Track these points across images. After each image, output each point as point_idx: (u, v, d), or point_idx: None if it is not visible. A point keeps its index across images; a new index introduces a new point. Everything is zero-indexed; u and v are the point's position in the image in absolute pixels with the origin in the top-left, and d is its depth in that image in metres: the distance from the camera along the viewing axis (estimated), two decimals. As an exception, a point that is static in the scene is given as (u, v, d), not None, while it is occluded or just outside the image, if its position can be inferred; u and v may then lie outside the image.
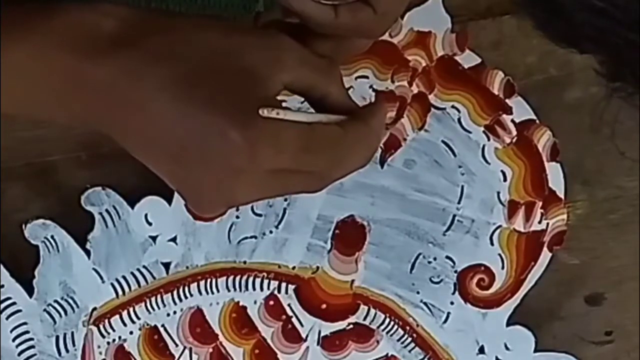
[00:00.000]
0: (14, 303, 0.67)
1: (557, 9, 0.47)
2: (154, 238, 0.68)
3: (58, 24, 0.51)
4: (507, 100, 0.70)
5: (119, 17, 0.52)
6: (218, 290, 0.69)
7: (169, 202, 0.68)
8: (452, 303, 0.70)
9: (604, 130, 0.64)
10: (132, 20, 0.52)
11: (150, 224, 0.68)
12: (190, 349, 0.69)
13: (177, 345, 0.69)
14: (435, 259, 0.70)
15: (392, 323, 0.70)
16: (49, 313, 0.68)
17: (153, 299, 0.68)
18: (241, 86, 0.51)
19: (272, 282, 0.69)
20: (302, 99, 0.57)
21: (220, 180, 0.51)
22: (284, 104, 0.56)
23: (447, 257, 0.70)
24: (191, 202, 0.54)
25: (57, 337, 0.68)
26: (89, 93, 0.51)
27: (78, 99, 0.51)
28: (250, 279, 0.69)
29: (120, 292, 0.68)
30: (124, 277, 0.68)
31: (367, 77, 0.69)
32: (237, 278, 0.69)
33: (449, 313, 0.70)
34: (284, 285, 0.69)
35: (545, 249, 0.70)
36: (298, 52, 0.54)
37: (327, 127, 0.53)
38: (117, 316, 0.68)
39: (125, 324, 0.68)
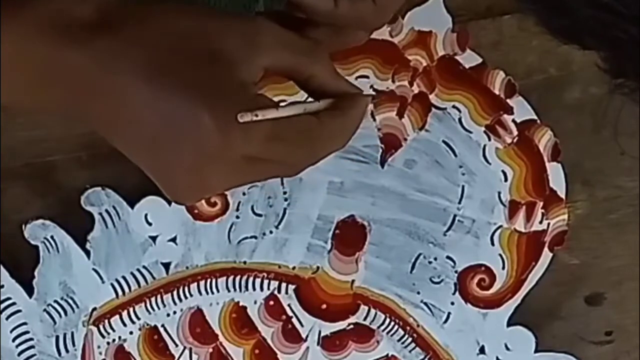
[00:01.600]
0: (14, 303, 0.67)
1: (560, 4, 0.47)
2: (153, 238, 0.68)
3: (32, 11, 0.51)
4: (508, 100, 0.70)
5: (94, 3, 0.52)
6: (218, 291, 0.69)
7: (169, 202, 0.68)
8: (452, 303, 0.70)
9: (607, 128, 0.64)
10: (107, 7, 0.52)
11: (150, 224, 0.68)
12: (190, 349, 0.69)
13: (177, 345, 0.69)
14: (435, 259, 0.70)
15: (392, 323, 0.70)
16: (48, 313, 0.67)
17: (153, 299, 0.68)
18: (216, 70, 0.51)
19: (272, 282, 0.69)
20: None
21: (193, 165, 0.51)
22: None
23: (448, 257, 0.70)
24: (166, 189, 0.54)
25: (57, 337, 0.68)
26: (64, 80, 0.51)
27: (54, 86, 0.52)
28: (250, 279, 0.69)
29: (120, 293, 0.68)
30: (123, 278, 0.68)
31: (367, 76, 0.69)
32: (237, 278, 0.69)
33: (449, 313, 0.70)
34: (284, 285, 0.69)
35: (546, 249, 0.70)
36: (277, 35, 0.54)
37: (302, 118, 0.53)
38: (117, 316, 0.68)
39: (125, 324, 0.68)
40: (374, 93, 0.68)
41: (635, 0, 0.43)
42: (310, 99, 0.57)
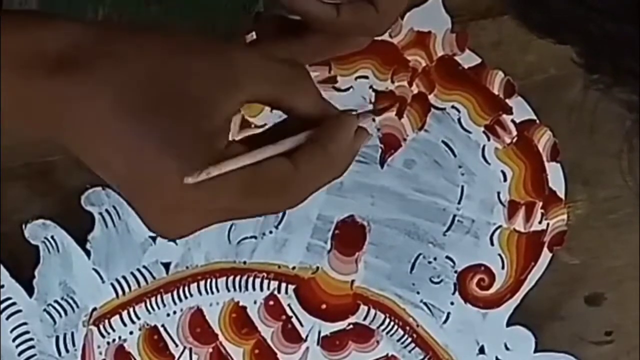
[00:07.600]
0: (14, 303, 0.67)
1: None
2: (154, 238, 0.68)
3: (5, 41, 0.49)
4: (507, 100, 0.70)
5: (68, 35, 0.50)
6: (218, 290, 0.69)
7: (169, 202, 0.68)
8: (452, 303, 0.70)
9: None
10: (81, 43, 0.50)
11: (150, 224, 0.68)
12: (190, 349, 0.69)
13: (177, 345, 0.69)
14: (435, 259, 0.70)
15: (392, 323, 0.70)
16: (49, 313, 0.68)
17: (153, 299, 0.68)
18: (187, 116, 0.48)
19: (272, 282, 0.69)
20: None
21: (159, 213, 0.49)
22: None
23: (447, 257, 0.70)
24: (144, 223, 0.51)
25: (57, 337, 0.68)
26: (35, 112, 0.49)
27: (26, 116, 0.50)
28: (250, 279, 0.69)
29: (120, 292, 0.68)
30: (124, 277, 0.68)
31: (367, 77, 0.69)
32: (237, 278, 0.69)
33: (449, 313, 0.70)
34: (283, 285, 0.69)
35: (545, 249, 0.70)
36: (255, 67, 0.50)
37: (274, 164, 0.48)
38: (117, 316, 0.68)
39: (125, 324, 0.68)
40: (377, 107, 0.68)
41: None
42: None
